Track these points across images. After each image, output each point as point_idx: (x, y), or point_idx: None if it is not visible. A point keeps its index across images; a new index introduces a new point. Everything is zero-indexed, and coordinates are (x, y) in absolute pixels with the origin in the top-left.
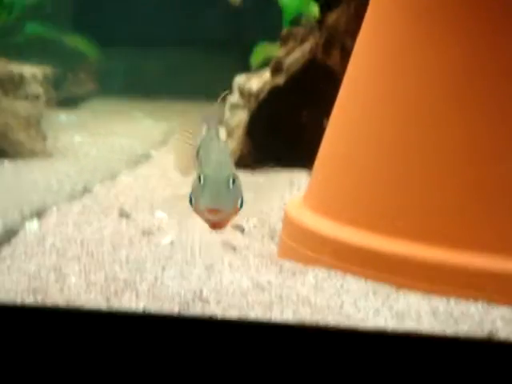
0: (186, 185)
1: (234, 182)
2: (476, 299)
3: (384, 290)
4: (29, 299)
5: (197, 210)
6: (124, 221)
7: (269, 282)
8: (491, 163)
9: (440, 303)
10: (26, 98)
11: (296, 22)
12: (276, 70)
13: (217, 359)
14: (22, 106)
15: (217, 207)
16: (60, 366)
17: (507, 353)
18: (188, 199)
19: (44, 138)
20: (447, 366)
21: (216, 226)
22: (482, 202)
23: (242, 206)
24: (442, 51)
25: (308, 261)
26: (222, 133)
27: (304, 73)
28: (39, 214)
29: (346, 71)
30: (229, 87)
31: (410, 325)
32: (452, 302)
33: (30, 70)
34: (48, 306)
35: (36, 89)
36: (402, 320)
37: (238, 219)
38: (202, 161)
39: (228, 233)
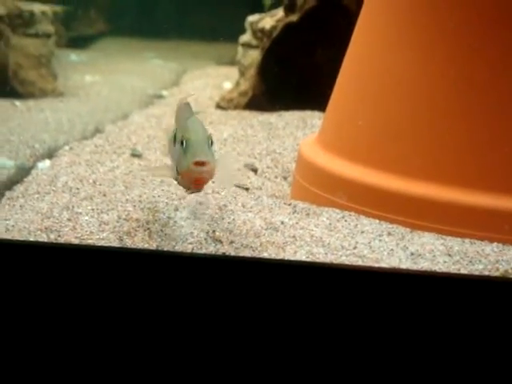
0: None
1: (212, 144)
2: (491, 240)
3: (398, 230)
4: (42, 238)
5: (181, 175)
6: (136, 161)
7: (282, 223)
8: (503, 107)
9: (455, 243)
10: (37, 36)
11: None
12: (290, 7)
13: (230, 299)
14: (33, 45)
15: (204, 159)
16: (73, 304)
17: None
18: (174, 175)
19: (55, 78)
20: (462, 305)
21: (198, 182)
22: (498, 143)
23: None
24: None
25: (322, 201)
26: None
27: (318, 10)
28: (51, 153)
29: (361, 8)
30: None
31: (424, 265)
32: (467, 242)
33: (40, 8)
34: (61, 244)
35: (46, 27)
36: (416, 260)
37: (250, 160)
38: (179, 137)
39: (241, 173)
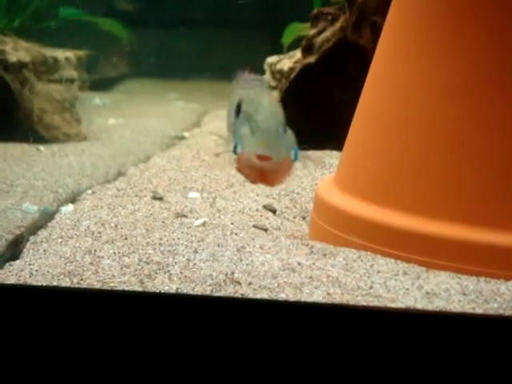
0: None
1: (285, 131)
2: (507, 278)
3: (414, 270)
4: (65, 282)
5: (241, 160)
6: (157, 203)
7: (299, 263)
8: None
9: (470, 282)
10: (61, 81)
11: (327, 1)
12: (307, 49)
13: (248, 340)
14: (57, 90)
15: (268, 153)
16: (95, 348)
17: None
18: (231, 148)
19: (78, 122)
20: (478, 345)
21: (265, 177)
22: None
23: (296, 158)
24: (465, 34)
25: (338, 242)
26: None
27: (335, 52)
28: (74, 197)
29: (375, 50)
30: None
31: (439, 304)
32: (482, 281)
33: (64, 54)
34: (83, 289)
35: (70, 72)
36: (431, 299)
37: (269, 200)
38: (246, 113)
39: (259, 214)
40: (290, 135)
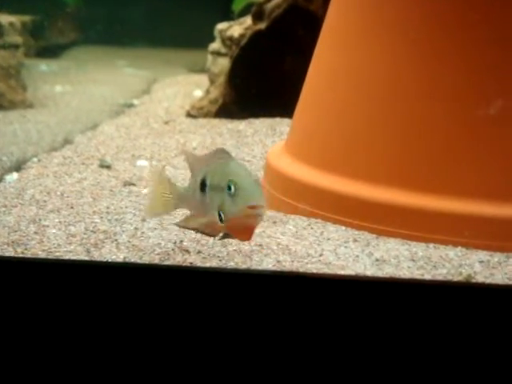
0: (167, 133)
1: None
2: (455, 244)
3: (364, 237)
4: (8, 252)
5: (233, 221)
6: (105, 171)
7: None
8: (469, 113)
9: (419, 248)
10: (4, 47)
11: None
12: (257, 15)
13: (196, 310)
14: (1, 56)
15: (260, 202)
16: (40, 319)
17: (485, 296)
18: (217, 220)
19: (24, 89)
20: (425, 311)
21: (250, 230)
22: (458, 148)
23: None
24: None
25: (289, 209)
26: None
27: (286, 18)
28: (19, 165)
29: (326, 16)
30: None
31: (389, 271)
32: (431, 247)
33: (8, 19)
34: (28, 258)
35: (14, 38)
36: (381, 266)
37: None
38: (213, 184)
39: None
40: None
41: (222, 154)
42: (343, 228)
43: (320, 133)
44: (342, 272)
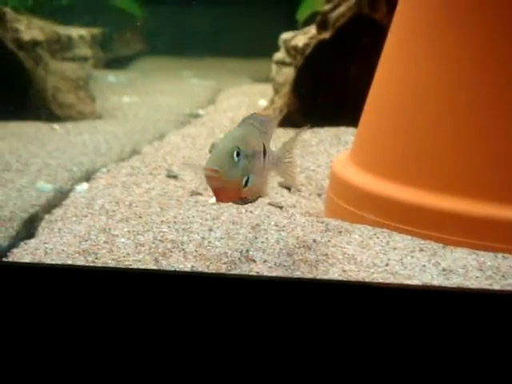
0: None
1: (242, 156)
2: None
3: (431, 246)
4: (79, 260)
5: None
6: (172, 181)
7: (315, 241)
8: None
9: (487, 258)
10: (74, 59)
11: None
12: (322, 24)
13: (263, 318)
14: (71, 68)
15: (213, 167)
16: (110, 326)
17: None
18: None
19: (93, 100)
20: (496, 321)
21: (216, 193)
22: None
23: (246, 184)
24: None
25: (354, 219)
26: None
27: (350, 27)
28: (89, 176)
29: (391, 25)
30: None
31: (456, 281)
32: (500, 257)
33: (78, 32)
34: (98, 267)
35: (84, 50)
36: (448, 276)
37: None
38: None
39: (274, 191)
40: (250, 164)
41: (249, 118)
42: (409, 237)
43: (385, 142)
44: (409, 282)
